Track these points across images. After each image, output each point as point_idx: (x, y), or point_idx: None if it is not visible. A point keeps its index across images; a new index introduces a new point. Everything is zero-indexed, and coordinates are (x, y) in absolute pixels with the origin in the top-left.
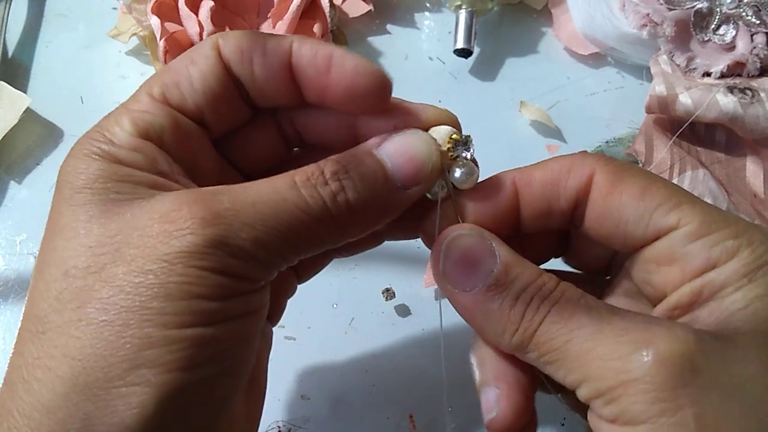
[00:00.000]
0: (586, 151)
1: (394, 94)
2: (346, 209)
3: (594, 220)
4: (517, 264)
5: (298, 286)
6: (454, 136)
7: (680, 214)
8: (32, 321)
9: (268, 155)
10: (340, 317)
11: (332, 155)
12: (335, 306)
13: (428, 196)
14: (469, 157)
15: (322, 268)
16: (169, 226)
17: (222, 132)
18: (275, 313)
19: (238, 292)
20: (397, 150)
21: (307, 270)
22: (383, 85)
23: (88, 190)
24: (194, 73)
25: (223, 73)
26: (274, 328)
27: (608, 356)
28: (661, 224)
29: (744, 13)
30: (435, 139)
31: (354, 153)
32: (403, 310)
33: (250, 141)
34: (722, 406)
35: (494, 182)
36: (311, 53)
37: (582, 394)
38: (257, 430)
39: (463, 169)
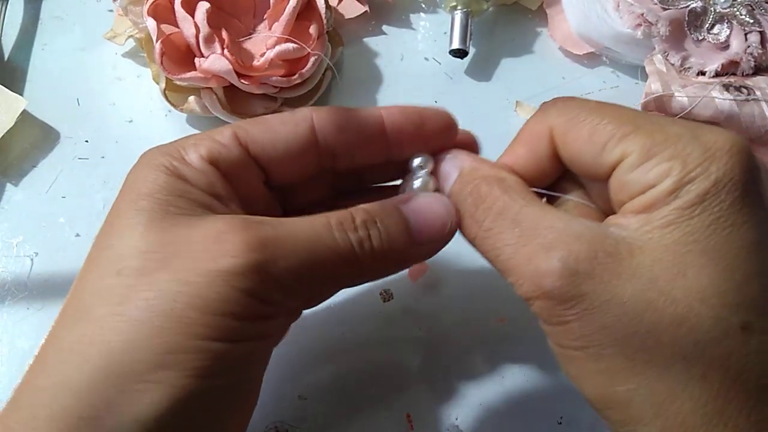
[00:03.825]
0: (545, 104)
1: (390, 95)
2: (369, 255)
3: (569, 167)
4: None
5: None
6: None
7: (624, 146)
8: (75, 309)
9: (311, 198)
10: (337, 318)
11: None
12: (332, 306)
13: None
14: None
15: (329, 298)
16: (217, 246)
17: (282, 183)
18: (280, 336)
19: (263, 315)
20: (420, 210)
21: (315, 299)
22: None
23: (151, 198)
24: (282, 134)
25: (310, 141)
26: None
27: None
28: (610, 161)
29: (738, 12)
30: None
31: (383, 205)
32: (402, 312)
33: (302, 188)
34: (602, 320)
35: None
36: (402, 114)
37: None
38: None
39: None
